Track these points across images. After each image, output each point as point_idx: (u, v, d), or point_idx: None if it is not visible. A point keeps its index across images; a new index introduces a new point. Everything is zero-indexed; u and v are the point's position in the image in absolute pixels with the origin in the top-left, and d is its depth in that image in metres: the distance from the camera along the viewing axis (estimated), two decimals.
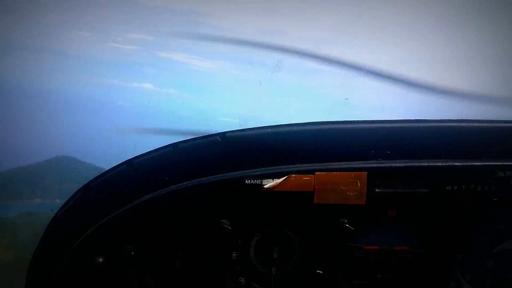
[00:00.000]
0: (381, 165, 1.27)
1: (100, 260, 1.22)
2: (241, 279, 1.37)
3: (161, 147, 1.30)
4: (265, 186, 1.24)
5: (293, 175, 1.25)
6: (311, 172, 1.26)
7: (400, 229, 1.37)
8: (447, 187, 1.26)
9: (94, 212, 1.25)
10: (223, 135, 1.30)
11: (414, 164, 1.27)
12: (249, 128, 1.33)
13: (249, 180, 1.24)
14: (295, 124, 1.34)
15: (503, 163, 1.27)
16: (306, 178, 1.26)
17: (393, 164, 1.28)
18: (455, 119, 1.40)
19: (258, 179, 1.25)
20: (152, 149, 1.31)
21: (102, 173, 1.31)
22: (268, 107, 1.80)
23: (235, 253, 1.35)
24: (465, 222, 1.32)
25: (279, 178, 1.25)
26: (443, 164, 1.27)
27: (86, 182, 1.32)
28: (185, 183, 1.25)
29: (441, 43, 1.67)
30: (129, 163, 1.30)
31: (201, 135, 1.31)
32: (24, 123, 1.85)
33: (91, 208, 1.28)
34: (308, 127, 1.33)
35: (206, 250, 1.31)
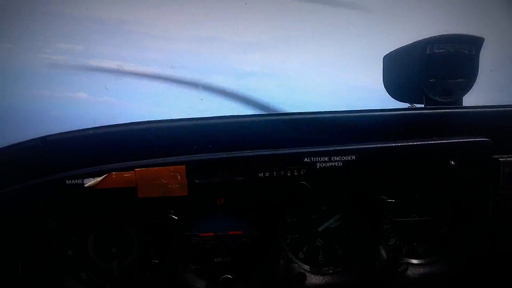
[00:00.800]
0: (197, 158, 1.34)
1: None
2: (82, 274, 1.42)
3: None
4: (86, 185, 1.28)
5: (113, 173, 1.30)
6: (131, 168, 1.31)
7: (231, 215, 1.45)
8: (259, 174, 1.35)
9: None
10: (43, 138, 1.33)
11: (227, 155, 1.35)
12: (71, 131, 1.35)
13: (69, 180, 1.28)
14: (116, 125, 1.38)
15: (308, 150, 1.38)
16: (127, 174, 1.31)
17: (208, 157, 1.35)
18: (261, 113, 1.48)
19: (79, 179, 1.28)
20: None
21: None
22: None
23: (71, 251, 1.39)
24: (285, 205, 1.43)
25: (99, 177, 1.29)
26: (254, 154, 1.36)
27: None
28: (8, 188, 1.27)
29: None
30: None
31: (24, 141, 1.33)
32: None
33: None
34: (129, 127, 1.38)
35: (40, 250, 1.34)
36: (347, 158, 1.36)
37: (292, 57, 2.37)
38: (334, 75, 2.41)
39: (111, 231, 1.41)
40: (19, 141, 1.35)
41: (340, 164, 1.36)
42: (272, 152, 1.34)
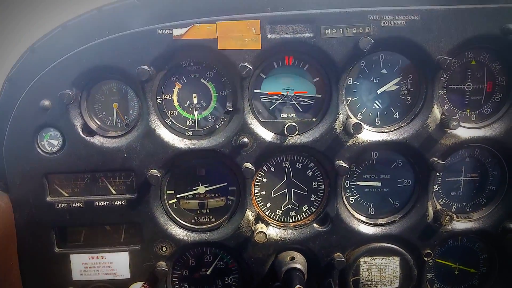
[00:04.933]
0: (271, 14, 1.48)
1: (46, 103, 1.49)
2: (168, 120, 1.65)
3: (88, 10, 1.52)
4: (174, 34, 1.48)
5: (198, 24, 1.49)
6: (213, 22, 1.49)
7: (298, 74, 1.61)
8: (326, 31, 1.49)
9: (38, 68, 1.51)
10: None
11: (297, 12, 1.47)
12: None
13: (161, 30, 1.48)
14: None
15: (373, 9, 1.45)
16: (209, 26, 1.49)
17: (280, 13, 1.48)
18: None
19: (169, 29, 1.48)
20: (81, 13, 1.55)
21: (42, 36, 1.55)
22: None
23: (160, 98, 1.61)
24: (347, 66, 1.55)
25: (186, 27, 1.48)
26: (322, 11, 1.47)
27: None
28: (107, 37, 1.49)
29: None
30: (63, 26, 1.53)
31: None
32: None
33: (35, 65, 1.53)
34: None
35: (134, 94, 1.59)
36: (410, 17, 1.46)
37: None
38: None
39: (192, 83, 1.61)
40: None
41: (403, 23, 1.46)
42: (339, 10, 1.47)
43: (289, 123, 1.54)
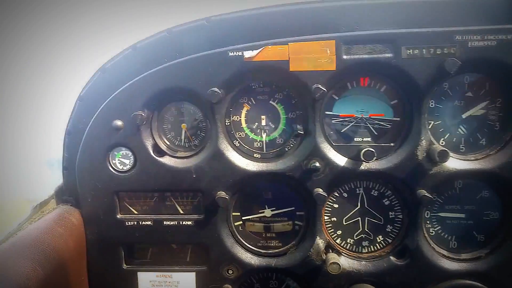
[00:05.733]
0: (347, 34, 1.40)
1: (119, 123, 1.52)
2: (235, 142, 1.61)
3: (158, 32, 1.52)
4: (246, 56, 1.44)
5: (269, 46, 1.44)
6: (285, 43, 1.43)
7: (374, 96, 1.51)
8: (408, 52, 1.37)
9: (109, 88, 1.54)
10: (208, 18, 1.51)
11: (375, 32, 1.38)
12: (232, 12, 1.51)
13: (232, 53, 1.45)
14: (269, 6, 1.50)
15: (459, 28, 1.32)
16: (281, 48, 1.44)
17: (357, 33, 1.40)
18: None
19: (240, 51, 1.45)
20: (150, 35, 1.56)
21: (113, 57, 1.57)
22: None
23: (228, 120, 1.58)
24: (430, 88, 1.42)
25: (257, 49, 1.44)
26: (400, 31, 1.36)
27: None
28: (177, 60, 1.49)
29: None
30: (133, 47, 1.55)
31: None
32: None
33: (106, 85, 1.57)
34: (280, 8, 1.48)
35: (203, 116, 1.57)
36: (501, 37, 1.31)
37: None
38: None
39: (261, 105, 1.57)
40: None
41: (494, 43, 1.32)
42: (423, 29, 1.36)
43: (367, 148, 1.45)
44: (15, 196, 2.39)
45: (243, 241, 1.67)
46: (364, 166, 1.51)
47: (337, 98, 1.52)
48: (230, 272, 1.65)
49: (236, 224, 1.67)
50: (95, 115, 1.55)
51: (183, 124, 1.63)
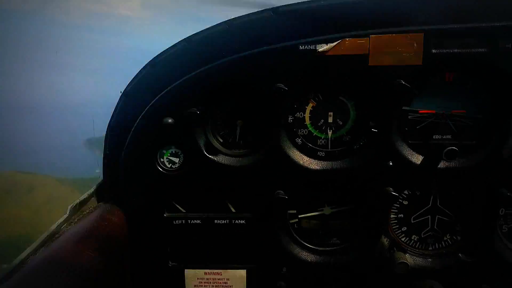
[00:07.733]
0: (438, 27, 1.24)
1: (170, 120, 1.36)
2: (298, 140, 1.47)
3: (216, 24, 1.34)
4: (319, 50, 1.26)
5: (347, 39, 1.26)
6: (366, 35, 1.25)
7: (457, 92, 1.36)
8: (507, 45, 1.21)
9: (159, 83, 1.36)
10: (275, 9, 1.31)
11: (470, 26, 1.23)
12: (301, 2, 1.32)
13: (303, 46, 1.27)
14: None
15: None
16: (361, 41, 1.26)
17: (449, 26, 1.24)
18: None
19: (312, 45, 1.26)
20: (207, 27, 1.35)
21: (163, 51, 1.38)
22: None
23: (291, 117, 1.43)
24: None
25: (332, 43, 1.25)
26: (501, 24, 1.22)
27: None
28: (239, 54, 1.30)
29: None
30: (187, 40, 1.35)
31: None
32: None
33: (156, 80, 1.39)
34: None
35: (263, 112, 1.41)
36: None
37: None
38: None
39: (328, 101, 1.41)
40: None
41: None
42: None
43: (450, 147, 1.33)
44: None
45: (299, 239, 1.59)
46: (442, 164, 1.41)
47: (417, 93, 1.37)
48: (284, 269, 1.58)
49: (291, 221, 1.58)
50: (144, 111, 1.40)
51: (239, 120, 1.48)
